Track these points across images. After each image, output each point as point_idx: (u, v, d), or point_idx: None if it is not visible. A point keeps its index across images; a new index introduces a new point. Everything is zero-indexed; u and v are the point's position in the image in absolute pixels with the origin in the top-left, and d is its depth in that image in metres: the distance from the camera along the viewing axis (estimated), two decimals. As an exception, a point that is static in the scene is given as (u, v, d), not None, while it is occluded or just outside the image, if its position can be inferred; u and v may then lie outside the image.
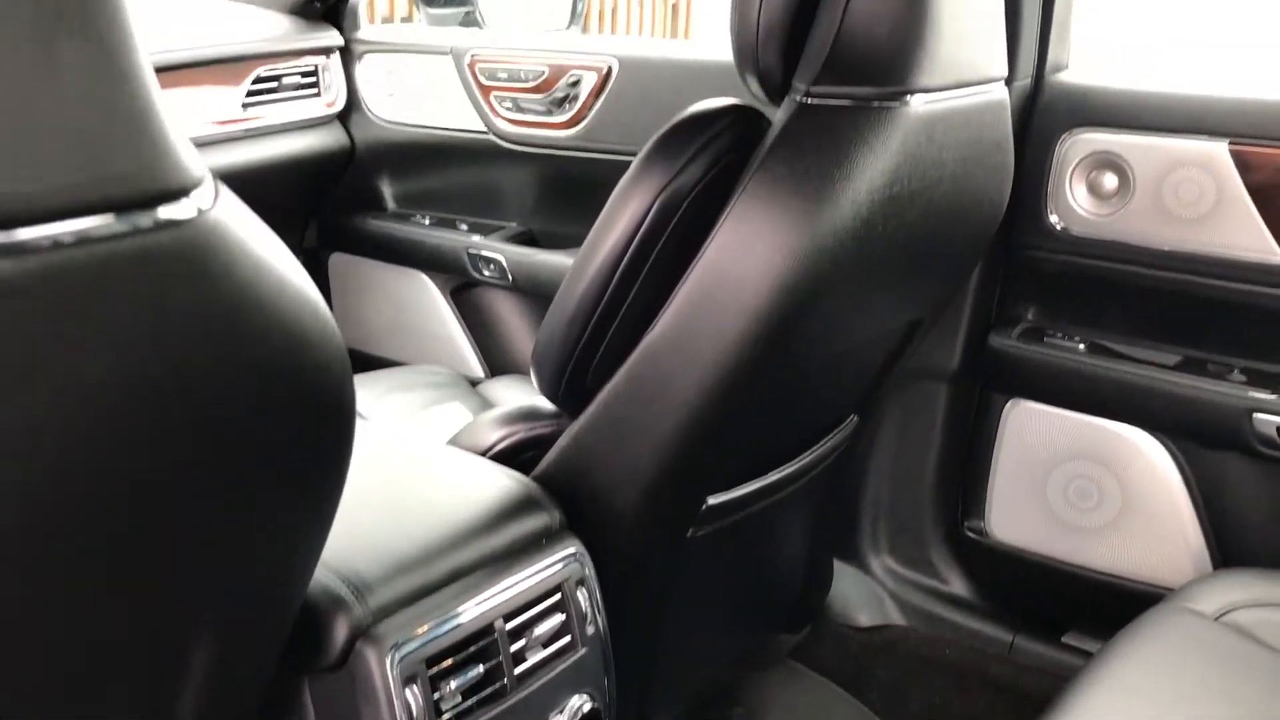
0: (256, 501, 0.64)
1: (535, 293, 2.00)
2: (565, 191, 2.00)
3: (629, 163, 1.07)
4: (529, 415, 1.20)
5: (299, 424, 0.62)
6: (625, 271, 1.05)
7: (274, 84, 1.97)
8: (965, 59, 1.09)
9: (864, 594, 1.70)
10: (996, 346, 1.54)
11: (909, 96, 1.02)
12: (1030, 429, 1.56)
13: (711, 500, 1.19)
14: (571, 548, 1.06)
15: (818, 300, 1.02)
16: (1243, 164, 1.33)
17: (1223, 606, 1.22)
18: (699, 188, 1.04)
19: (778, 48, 1.03)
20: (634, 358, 1.06)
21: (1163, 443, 1.46)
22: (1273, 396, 1.35)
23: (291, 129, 2.01)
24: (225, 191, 0.57)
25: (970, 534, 1.64)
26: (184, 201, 0.54)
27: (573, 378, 1.12)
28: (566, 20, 2.10)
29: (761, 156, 1.01)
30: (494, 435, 1.19)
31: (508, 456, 1.18)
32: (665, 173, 1.04)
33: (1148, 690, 1.11)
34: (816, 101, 1.01)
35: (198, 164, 0.55)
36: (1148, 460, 1.47)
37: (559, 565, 1.04)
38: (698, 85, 1.78)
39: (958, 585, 1.67)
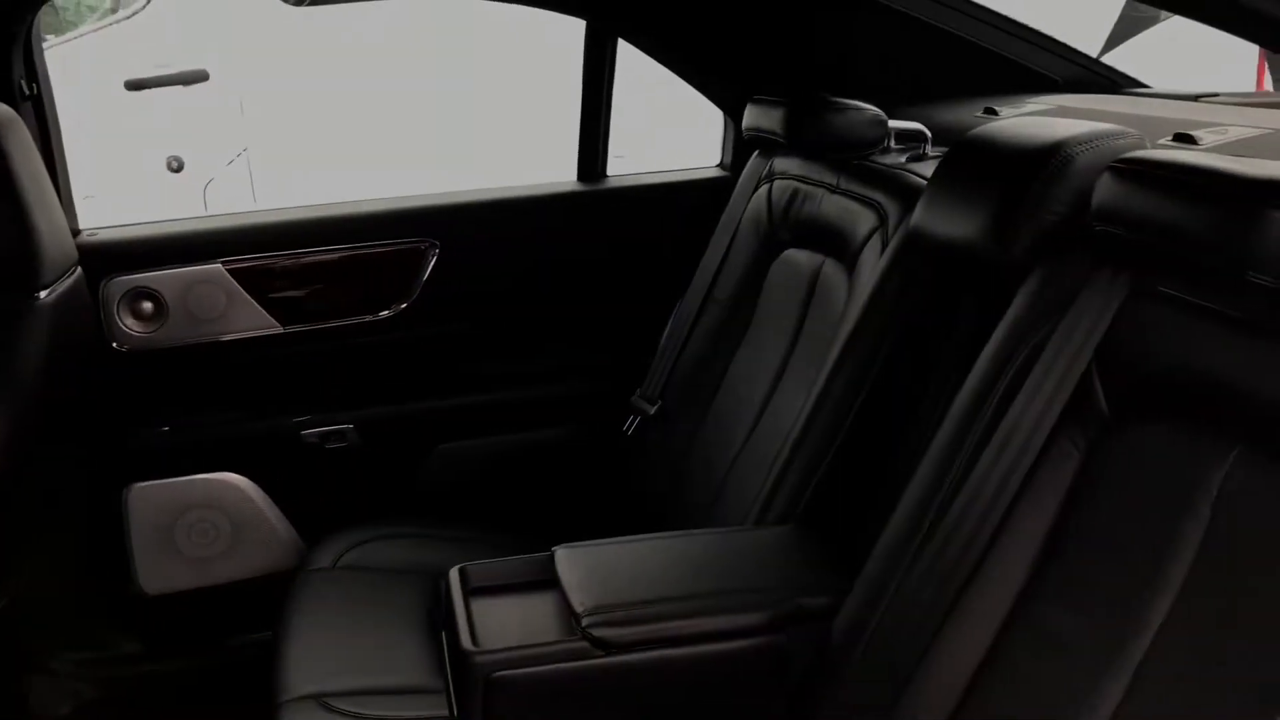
0: None
1: None
2: None
3: None
4: None
5: None
6: None
7: None
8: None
9: None
10: None
11: (41, 293, 1.42)
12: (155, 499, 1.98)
13: None
14: None
15: None
16: (235, 273, 1.93)
17: (332, 559, 1.84)
18: None
19: None
20: None
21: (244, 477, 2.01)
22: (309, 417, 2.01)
23: None
24: None
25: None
26: None
27: None
28: None
29: None
30: None
31: None
32: None
33: (325, 637, 1.67)
34: None
35: None
36: (248, 494, 2.02)
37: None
38: None
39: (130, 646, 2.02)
